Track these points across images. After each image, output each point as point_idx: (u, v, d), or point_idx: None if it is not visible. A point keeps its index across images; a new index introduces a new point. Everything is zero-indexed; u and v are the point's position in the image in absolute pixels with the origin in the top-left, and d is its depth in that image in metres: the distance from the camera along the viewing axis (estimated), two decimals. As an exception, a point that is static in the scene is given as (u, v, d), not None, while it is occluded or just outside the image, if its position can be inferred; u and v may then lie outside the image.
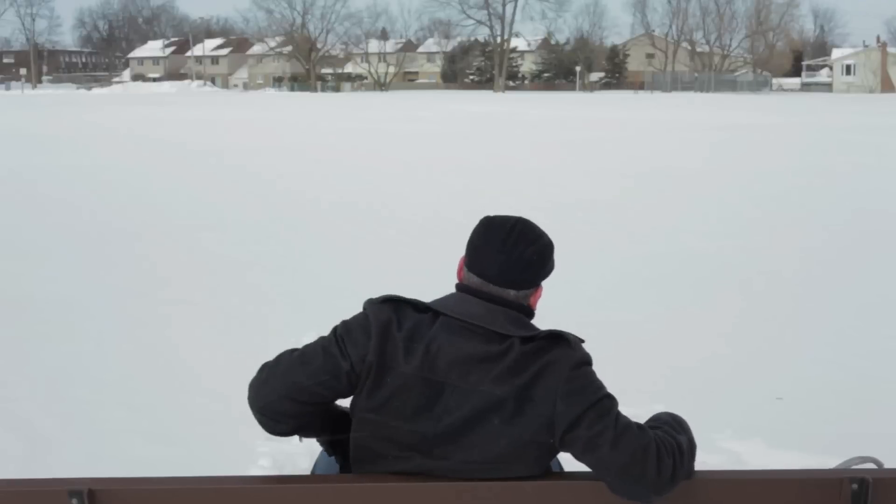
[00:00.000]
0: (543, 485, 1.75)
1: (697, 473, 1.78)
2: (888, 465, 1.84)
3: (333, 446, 1.97)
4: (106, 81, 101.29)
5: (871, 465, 1.78)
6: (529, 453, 1.75)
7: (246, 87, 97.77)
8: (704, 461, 3.64)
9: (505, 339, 1.75)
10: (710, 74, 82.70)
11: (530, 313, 1.84)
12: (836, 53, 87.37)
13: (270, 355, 1.90)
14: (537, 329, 1.80)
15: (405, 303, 1.82)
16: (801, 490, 1.74)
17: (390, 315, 1.78)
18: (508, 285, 1.80)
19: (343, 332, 1.81)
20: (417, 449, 1.76)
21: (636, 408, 4.16)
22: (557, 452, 1.80)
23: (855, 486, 1.70)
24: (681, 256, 8.01)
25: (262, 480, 1.88)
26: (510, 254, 1.79)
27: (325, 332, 1.87)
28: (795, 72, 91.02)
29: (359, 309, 1.86)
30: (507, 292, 1.80)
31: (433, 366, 1.74)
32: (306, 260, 7.80)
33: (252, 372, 1.90)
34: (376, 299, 1.83)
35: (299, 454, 3.40)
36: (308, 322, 5.42)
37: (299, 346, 1.89)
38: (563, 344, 1.76)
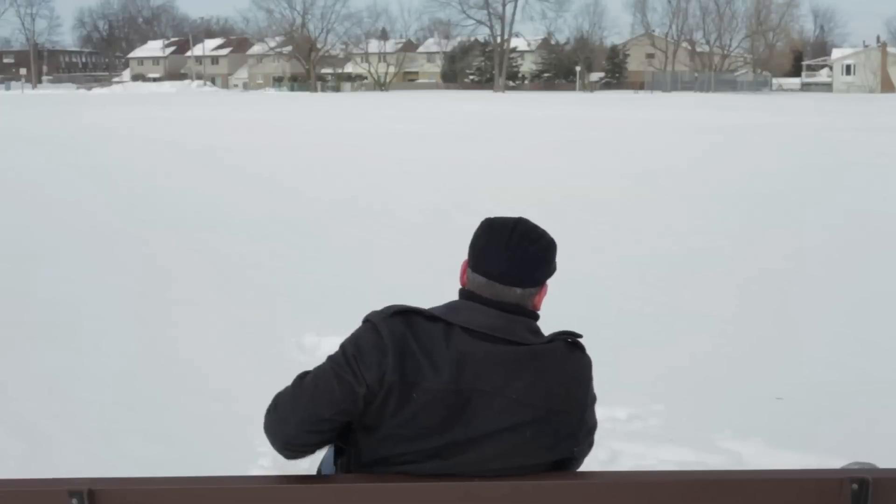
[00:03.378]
0: (543, 485, 1.75)
1: (697, 474, 1.78)
2: (888, 465, 1.84)
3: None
4: (106, 81, 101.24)
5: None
6: (547, 462, 1.79)
7: (246, 87, 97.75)
8: (704, 461, 3.66)
9: (521, 346, 1.75)
10: (710, 74, 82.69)
11: (536, 316, 1.84)
12: (836, 53, 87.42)
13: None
14: (545, 335, 1.80)
15: (414, 313, 1.76)
16: (801, 490, 1.74)
17: (404, 329, 1.72)
18: (514, 283, 1.78)
19: (355, 353, 1.73)
20: (439, 455, 1.74)
21: (636, 407, 4.18)
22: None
23: (855, 486, 1.69)
24: (679, 255, 8.01)
25: (262, 480, 1.88)
26: (514, 251, 1.77)
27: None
28: (795, 72, 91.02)
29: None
30: (512, 291, 1.78)
31: (460, 376, 1.71)
32: (308, 259, 7.80)
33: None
34: (384, 312, 1.76)
35: (299, 454, 3.40)
36: (309, 322, 5.42)
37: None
38: (581, 352, 1.82)
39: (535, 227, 1.84)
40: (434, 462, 1.74)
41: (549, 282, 1.87)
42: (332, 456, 2.08)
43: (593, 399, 1.84)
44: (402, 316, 1.74)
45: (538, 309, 1.86)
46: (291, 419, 1.78)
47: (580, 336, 1.81)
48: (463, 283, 1.85)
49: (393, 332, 1.72)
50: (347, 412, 1.76)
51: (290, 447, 1.82)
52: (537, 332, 1.80)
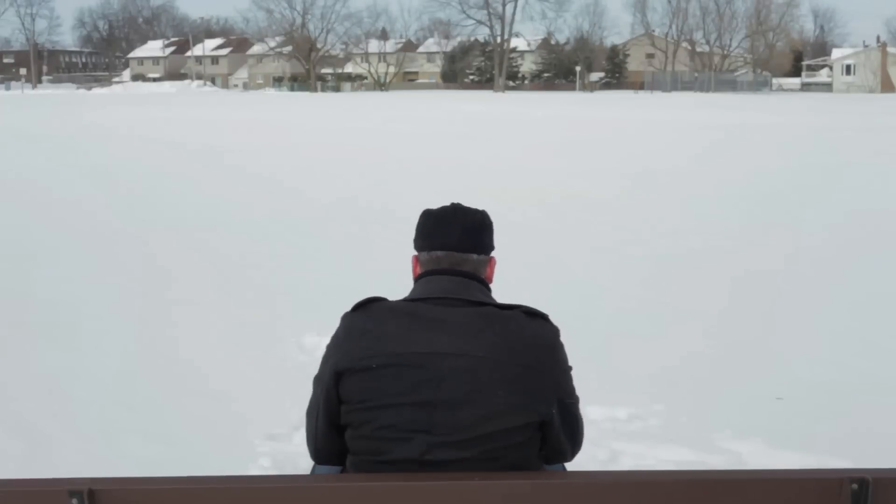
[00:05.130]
0: (543, 484, 1.75)
1: (697, 474, 1.78)
2: (888, 465, 1.84)
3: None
4: (106, 81, 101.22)
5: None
6: (532, 427, 1.81)
7: (246, 87, 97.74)
8: (704, 461, 3.66)
9: (481, 305, 1.85)
10: (710, 74, 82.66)
11: (488, 285, 1.97)
12: (836, 53, 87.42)
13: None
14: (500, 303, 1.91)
15: (376, 300, 1.90)
16: (801, 490, 1.74)
17: (363, 318, 1.86)
18: (470, 250, 1.95)
19: (324, 357, 1.89)
20: (420, 427, 1.77)
21: (636, 407, 4.18)
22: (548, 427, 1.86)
23: (855, 486, 1.69)
24: (680, 255, 8.00)
25: (262, 480, 1.88)
26: (463, 222, 1.98)
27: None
28: (795, 72, 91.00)
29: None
30: (469, 257, 1.94)
31: (420, 342, 1.79)
32: (308, 259, 7.80)
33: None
34: (350, 309, 1.91)
35: (299, 454, 3.39)
36: (309, 322, 5.42)
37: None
38: (543, 319, 1.88)
39: (467, 207, 2.06)
40: (420, 437, 1.76)
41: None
42: None
43: (568, 367, 1.89)
44: (362, 307, 1.89)
45: (490, 281, 1.99)
46: (311, 433, 1.95)
47: (544, 314, 1.89)
48: (416, 274, 1.97)
49: (351, 324, 1.87)
50: (334, 412, 1.86)
51: (318, 458, 1.96)
52: (491, 297, 1.92)
